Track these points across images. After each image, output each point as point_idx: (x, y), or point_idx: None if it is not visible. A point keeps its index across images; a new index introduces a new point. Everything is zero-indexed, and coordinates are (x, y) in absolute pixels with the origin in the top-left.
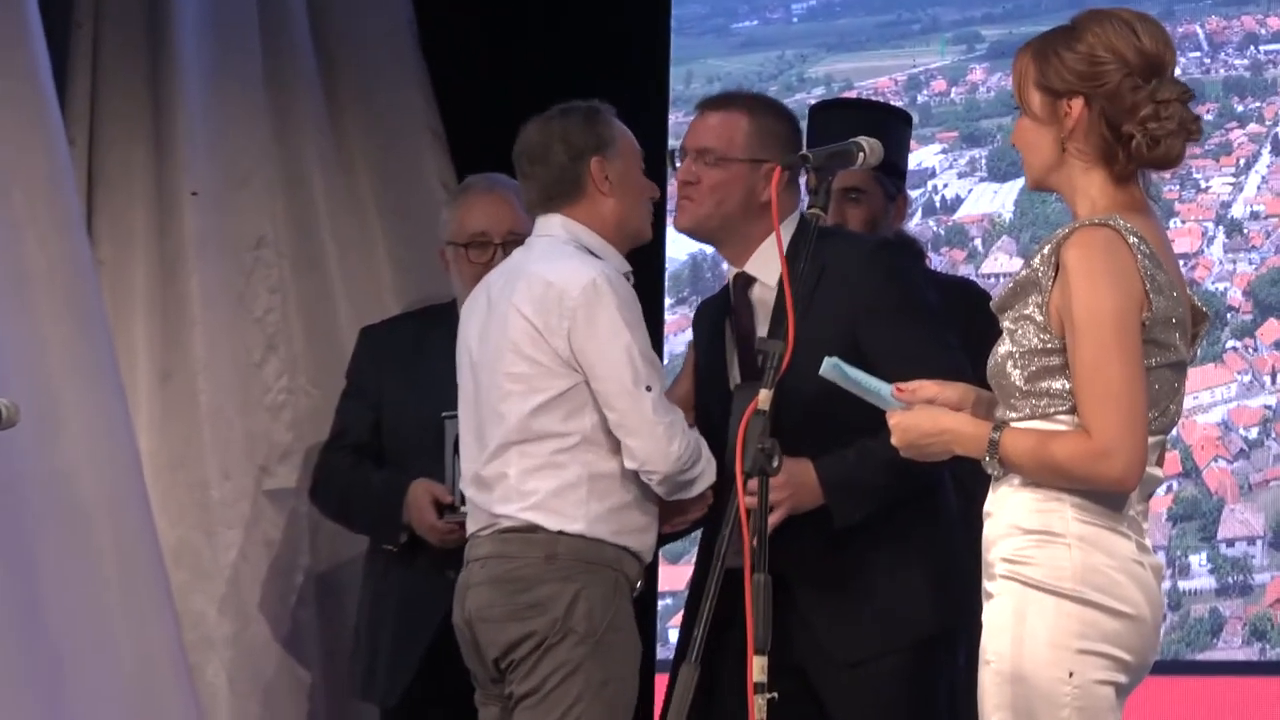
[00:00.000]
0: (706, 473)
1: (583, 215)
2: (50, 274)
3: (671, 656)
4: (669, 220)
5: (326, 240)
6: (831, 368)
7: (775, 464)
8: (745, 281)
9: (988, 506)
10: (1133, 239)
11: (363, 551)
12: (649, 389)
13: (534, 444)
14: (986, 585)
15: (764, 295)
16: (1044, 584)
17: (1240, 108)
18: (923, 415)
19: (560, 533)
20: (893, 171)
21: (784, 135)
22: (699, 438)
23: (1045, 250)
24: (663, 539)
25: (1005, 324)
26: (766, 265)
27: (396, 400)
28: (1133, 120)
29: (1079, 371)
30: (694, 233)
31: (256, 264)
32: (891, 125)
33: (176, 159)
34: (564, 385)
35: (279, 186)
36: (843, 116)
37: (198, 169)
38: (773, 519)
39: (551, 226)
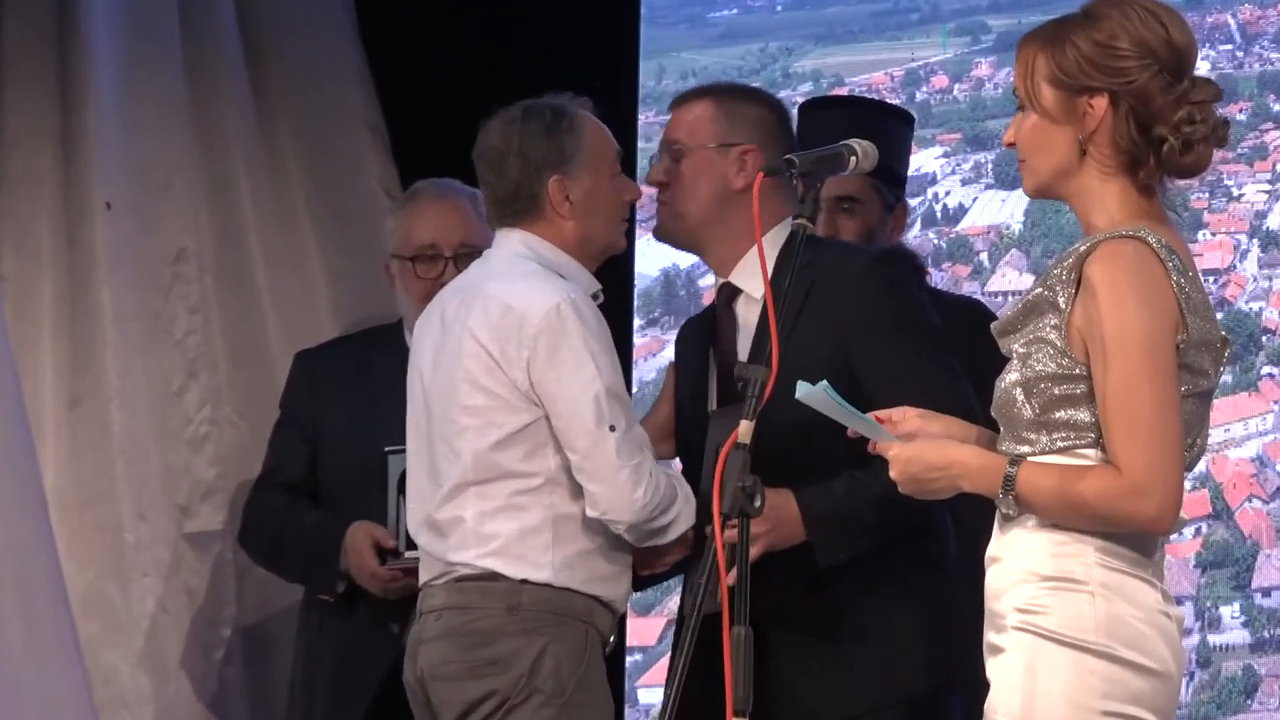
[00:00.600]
0: (683, 515)
1: (543, 232)
2: None
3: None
4: (638, 234)
5: (254, 252)
6: (818, 391)
7: (757, 504)
8: (730, 293)
9: (993, 550)
10: (1164, 252)
11: (296, 602)
12: (613, 429)
13: (493, 484)
14: (993, 638)
15: (749, 310)
16: (1061, 636)
17: (1277, 106)
18: (928, 447)
19: (524, 581)
20: (891, 178)
21: (759, 119)
22: (672, 477)
23: (1063, 266)
24: (640, 583)
25: (1015, 348)
26: (753, 275)
27: (335, 433)
28: (1165, 123)
29: (1107, 400)
30: (671, 238)
31: (176, 279)
32: (889, 126)
33: (87, 162)
34: (524, 420)
35: (201, 192)
36: (834, 116)
37: (111, 173)
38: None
39: (511, 242)
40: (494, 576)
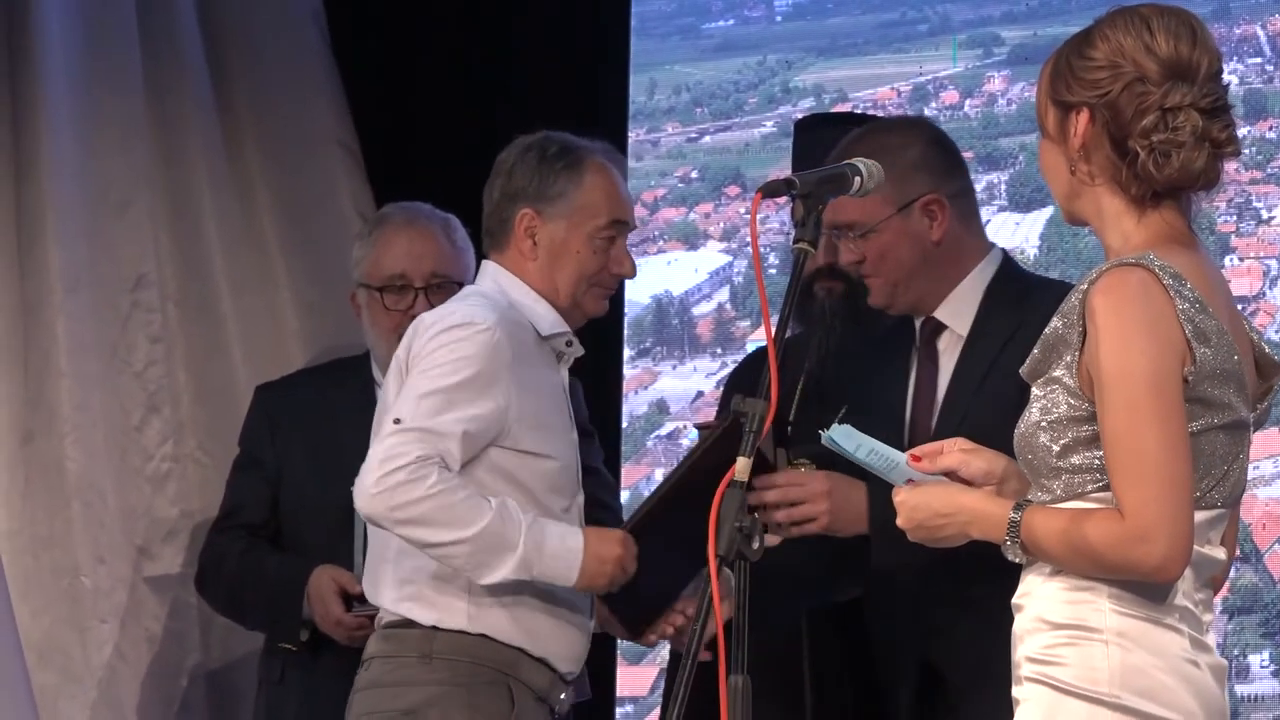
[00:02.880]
0: (477, 539)
1: (511, 267)
2: None
3: None
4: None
5: (219, 279)
6: (842, 435)
7: (755, 545)
8: (933, 329)
9: (1016, 598)
10: (1169, 280)
11: (261, 649)
12: (398, 421)
13: None
14: (1014, 691)
15: (951, 346)
16: (1075, 688)
17: None
18: (935, 493)
19: (434, 628)
20: None
21: (919, 157)
22: (505, 504)
23: (1074, 300)
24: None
25: (1035, 390)
26: (959, 314)
27: (298, 473)
28: (1136, 134)
29: (1109, 441)
30: (895, 309)
31: (135, 308)
32: (891, 142)
33: (39, 182)
34: None
35: (162, 215)
36: (837, 135)
37: (65, 194)
38: (809, 528)
39: (484, 275)
40: (408, 624)
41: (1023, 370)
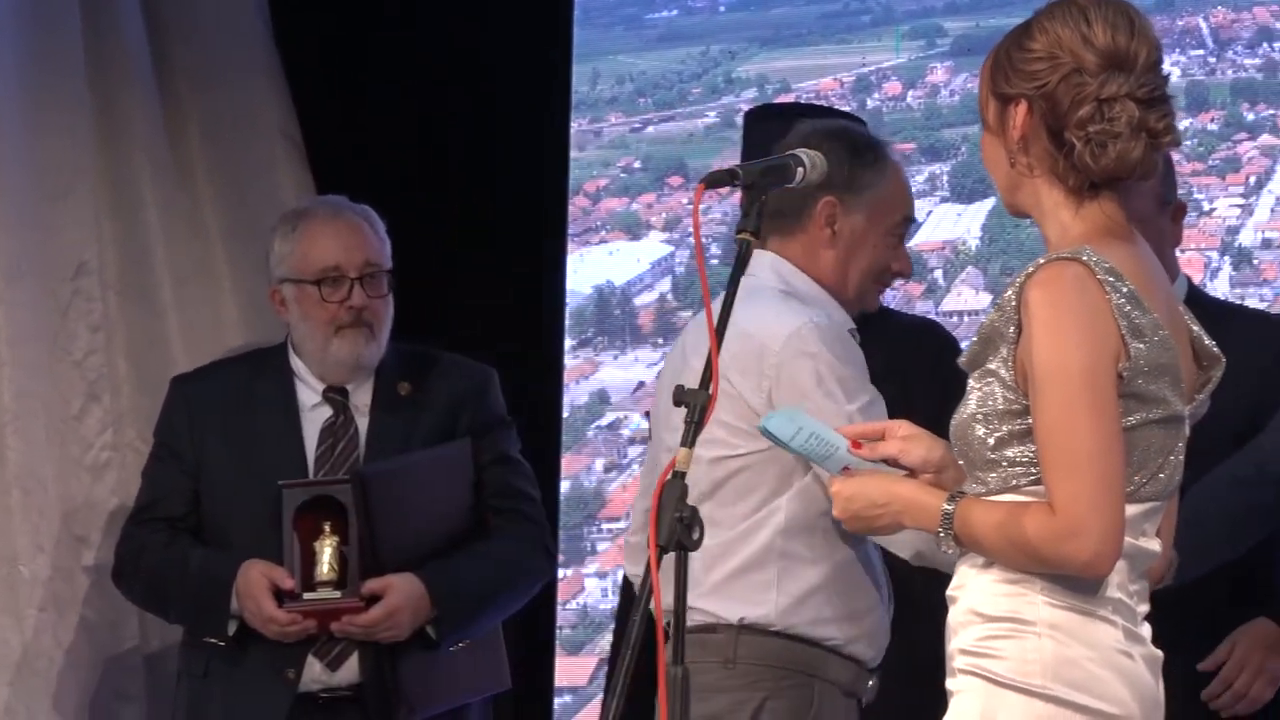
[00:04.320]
0: None
1: (797, 256)
2: None
3: None
4: (569, 249)
5: (160, 268)
6: (781, 421)
7: (695, 536)
8: None
9: (950, 589)
10: (1105, 275)
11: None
12: None
13: None
14: (948, 683)
15: None
16: (1011, 680)
17: (1251, 115)
18: (870, 482)
19: (740, 627)
20: None
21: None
22: None
23: (1010, 293)
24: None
25: (970, 382)
26: None
27: (218, 465)
28: (1071, 125)
29: (1042, 435)
30: None
31: (75, 296)
32: None
33: None
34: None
35: (104, 203)
36: (783, 126)
37: (6, 181)
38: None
39: (761, 265)
40: (711, 629)
41: (961, 361)
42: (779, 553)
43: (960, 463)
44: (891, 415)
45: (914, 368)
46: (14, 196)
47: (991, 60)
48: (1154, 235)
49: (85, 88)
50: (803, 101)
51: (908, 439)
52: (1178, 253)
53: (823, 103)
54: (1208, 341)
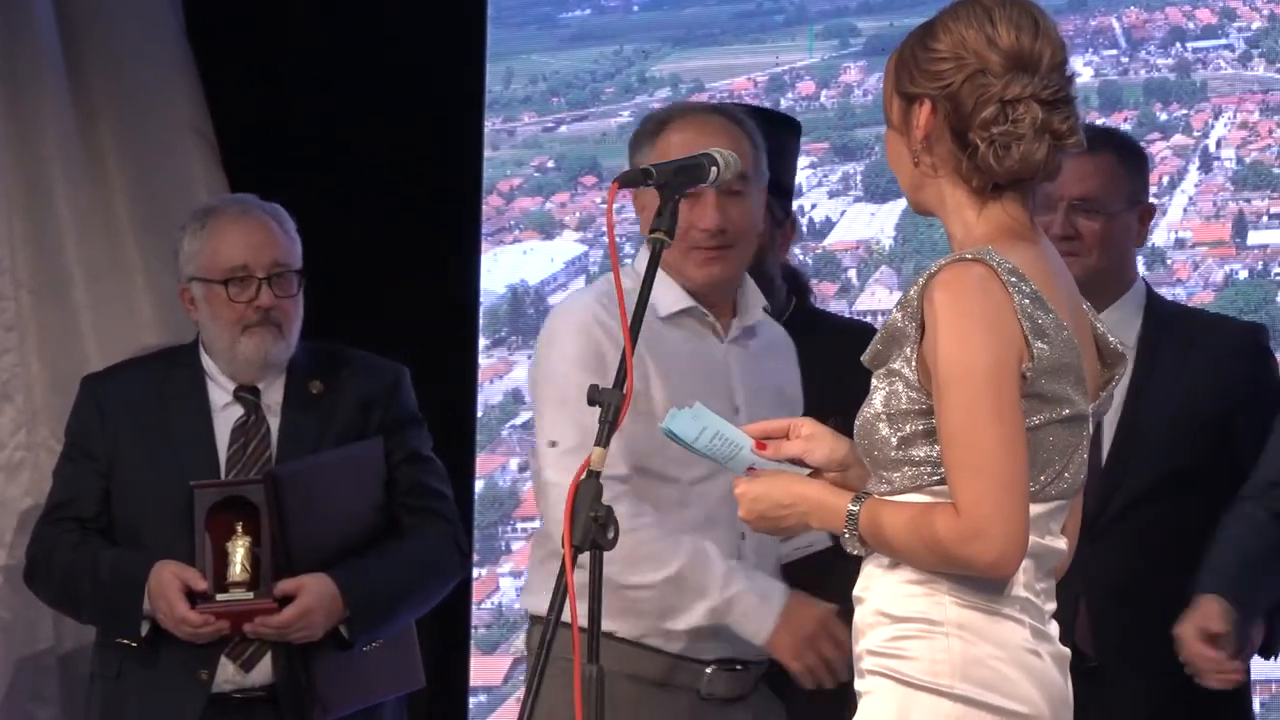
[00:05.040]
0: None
1: None
2: None
3: None
4: (483, 248)
5: (73, 267)
6: (685, 421)
7: (610, 535)
8: None
9: (856, 590)
10: (1007, 275)
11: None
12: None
13: None
14: (856, 684)
15: None
16: (920, 680)
17: (1164, 115)
18: (775, 483)
19: None
20: (779, 191)
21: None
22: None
23: (913, 293)
24: None
25: (876, 382)
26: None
27: (130, 465)
28: (975, 126)
29: (946, 438)
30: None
31: None
32: (776, 135)
33: None
34: None
35: (16, 201)
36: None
37: None
38: None
39: None
40: None
41: (864, 358)
42: None
43: (866, 463)
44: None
45: (850, 369)
46: None
47: (896, 58)
48: (1120, 231)
49: None
50: (718, 102)
51: (810, 438)
52: None
53: (736, 101)
54: (1112, 340)
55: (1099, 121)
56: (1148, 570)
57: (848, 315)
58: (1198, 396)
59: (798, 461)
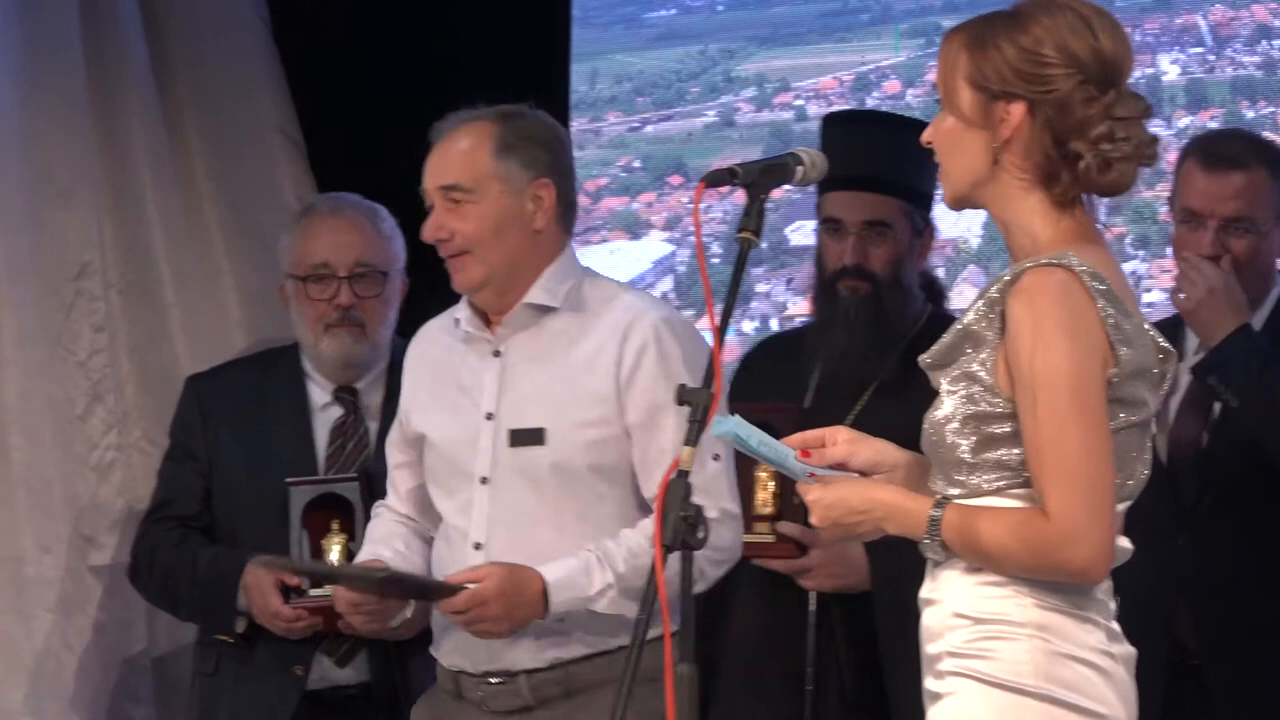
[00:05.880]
0: None
1: None
2: None
3: None
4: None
5: (162, 268)
6: (736, 423)
7: (700, 535)
8: None
9: (926, 592)
10: (1090, 280)
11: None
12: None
13: None
14: (931, 684)
15: None
16: (1000, 680)
17: (1251, 113)
18: (850, 488)
19: None
20: (919, 199)
21: None
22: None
23: (988, 297)
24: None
25: (944, 384)
26: None
27: (230, 464)
28: (1083, 138)
29: (1033, 444)
30: None
31: (79, 296)
32: (914, 141)
33: None
34: None
35: (105, 203)
36: (852, 132)
37: (7, 184)
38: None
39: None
40: None
41: (927, 359)
42: None
43: (933, 465)
44: None
45: None
46: (14, 198)
47: (972, 49)
48: (1269, 249)
49: (84, 89)
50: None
51: (852, 442)
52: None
53: (822, 102)
54: (1161, 340)
55: (1184, 121)
56: (1248, 563)
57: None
58: None
59: (840, 467)
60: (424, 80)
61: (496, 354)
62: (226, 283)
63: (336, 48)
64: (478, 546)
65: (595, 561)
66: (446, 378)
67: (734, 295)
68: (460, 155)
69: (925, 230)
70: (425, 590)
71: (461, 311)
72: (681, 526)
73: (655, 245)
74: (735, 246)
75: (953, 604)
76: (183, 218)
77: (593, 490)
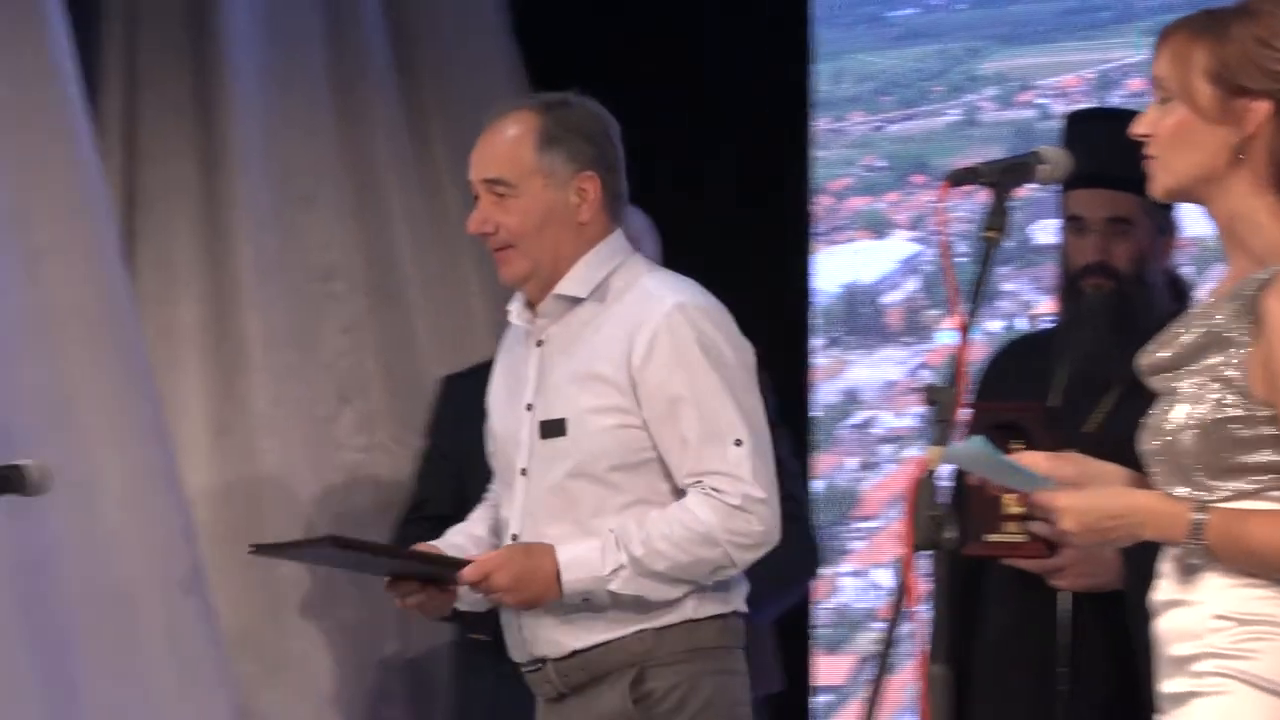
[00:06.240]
0: None
1: None
2: (81, 312)
3: None
4: (815, 248)
5: (408, 270)
6: (972, 447)
7: (949, 534)
8: None
9: (1169, 594)
10: None
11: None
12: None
13: None
14: (1183, 684)
15: None
16: (1266, 681)
17: None
18: (1102, 494)
19: None
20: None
21: None
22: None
23: (1239, 300)
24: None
25: (1182, 387)
26: None
27: (483, 464)
28: None
29: None
30: None
31: (326, 299)
32: None
33: (228, 174)
34: None
35: (350, 206)
36: (1096, 129)
37: (253, 186)
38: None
39: None
40: None
41: (1146, 362)
42: None
43: (1166, 470)
44: None
45: None
46: (259, 202)
47: (1213, 43)
48: None
49: (329, 95)
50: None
51: (1079, 462)
52: None
53: (1064, 101)
54: None
55: None
56: None
57: None
58: None
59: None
60: (663, 81)
61: (539, 344)
62: (472, 286)
63: (577, 53)
64: (515, 539)
65: (612, 542)
66: (510, 369)
67: (980, 294)
68: (504, 148)
69: (1168, 228)
70: (432, 567)
71: (514, 303)
72: (930, 526)
73: (901, 245)
74: (980, 245)
75: (1212, 606)
76: (428, 222)
77: (608, 481)
